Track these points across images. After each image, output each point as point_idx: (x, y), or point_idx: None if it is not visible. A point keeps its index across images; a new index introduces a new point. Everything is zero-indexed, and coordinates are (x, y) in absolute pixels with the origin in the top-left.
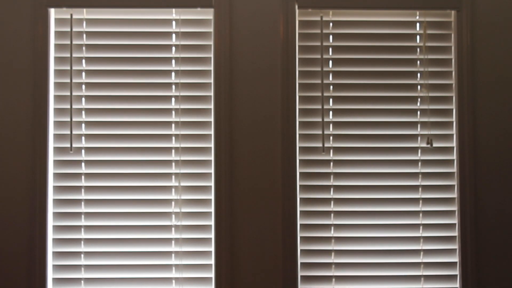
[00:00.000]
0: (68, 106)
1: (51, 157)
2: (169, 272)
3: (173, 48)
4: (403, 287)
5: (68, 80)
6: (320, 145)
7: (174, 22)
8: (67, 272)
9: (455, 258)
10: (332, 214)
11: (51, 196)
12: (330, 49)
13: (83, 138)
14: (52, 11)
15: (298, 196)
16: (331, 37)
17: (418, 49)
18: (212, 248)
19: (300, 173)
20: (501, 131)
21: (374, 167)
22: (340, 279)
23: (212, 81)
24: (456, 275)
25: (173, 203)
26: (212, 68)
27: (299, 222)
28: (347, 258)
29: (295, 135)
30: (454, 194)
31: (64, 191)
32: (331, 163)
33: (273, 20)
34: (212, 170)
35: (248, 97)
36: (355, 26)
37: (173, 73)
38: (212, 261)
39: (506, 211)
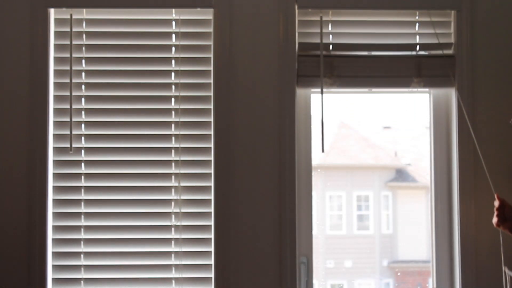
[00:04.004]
0: (68, 106)
1: (51, 157)
2: (169, 272)
3: (173, 48)
4: None
5: (68, 80)
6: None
7: (174, 22)
8: (67, 272)
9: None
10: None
11: (51, 196)
12: (331, 47)
13: (83, 138)
14: (51, 11)
15: (297, 196)
16: (330, 36)
17: (418, 47)
18: (212, 248)
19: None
20: (501, 131)
21: None
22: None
23: (212, 81)
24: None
25: (173, 203)
26: (212, 68)
27: (297, 223)
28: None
29: (294, 135)
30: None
31: (64, 191)
32: None
33: (273, 20)
34: (212, 170)
35: (248, 97)
36: (355, 26)
37: (173, 73)
38: (212, 261)
39: None
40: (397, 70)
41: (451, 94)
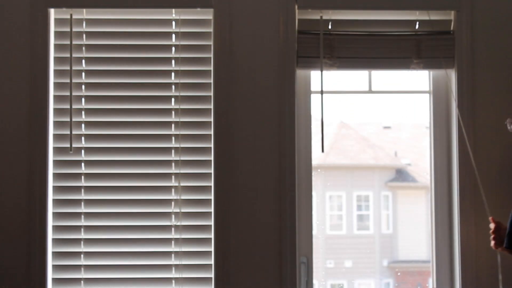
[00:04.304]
0: (68, 106)
1: (51, 157)
2: (169, 272)
3: (173, 48)
4: None
5: (68, 80)
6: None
7: (174, 22)
8: (67, 272)
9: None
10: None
11: (51, 196)
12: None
13: (83, 138)
14: (52, 11)
15: (297, 196)
16: (330, 23)
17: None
18: (212, 248)
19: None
20: (501, 131)
21: None
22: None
23: (212, 81)
24: None
25: (173, 203)
26: (212, 68)
27: (297, 223)
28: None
29: (293, 134)
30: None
31: (64, 191)
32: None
33: (273, 20)
34: (212, 170)
35: (247, 97)
36: (355, 25)
37: (173, 73)
38: (212, 261)
39: None
40: (397, 51)
41: (451, 94)
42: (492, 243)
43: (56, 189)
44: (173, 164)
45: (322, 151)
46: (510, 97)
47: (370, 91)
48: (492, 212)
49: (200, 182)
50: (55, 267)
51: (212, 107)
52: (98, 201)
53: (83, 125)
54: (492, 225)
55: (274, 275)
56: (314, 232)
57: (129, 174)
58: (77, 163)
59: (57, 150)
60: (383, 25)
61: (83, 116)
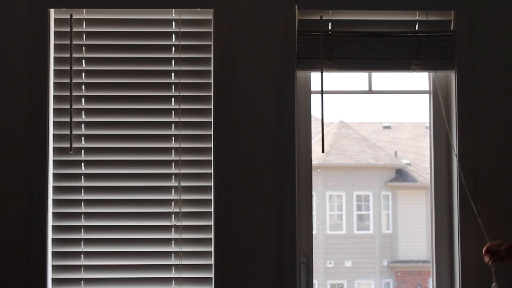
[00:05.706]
0: (68, 106)
1: (51, 157)
2: (169, 272)
3: (173, 48)
4: None
5: (68, 80)
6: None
7: (174, 22)
8: (67, 272)
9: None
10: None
11: (51, 196)
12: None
13: (83, 138)
14: (51, 11)
15: (297, 196)
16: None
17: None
18: (212, 248)
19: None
20: (501, 132)
21: None
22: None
23: (212, 81)
24: None
25: (173, 203)
26: (212, 68)
27: (297, 222)
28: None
29: (293, 134)
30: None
31: (64, 191)
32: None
33: (273, 20)
34: (212, 170)
35: (248, 97)
36: (355, 26)
37: (173, 73)
38: (212, 261)
39: None
40: (397, 52)
41: (451, 94)
42: (490, 262)
43: (56, 189)
44: (173, 164)
45: (322, 151)
46: (511, 98)
47: (370, 91)
48: (492, 212)
49: (200, 182)
50: (55, 267)
51: (212, 107)
52: (98, 201)
53: (83, 125)
54: (486, 257)
55: (274, 275)
56: (314, 232)
57: (129, 174)
58: (77, 163)
59: (57, 150)
60: (383, 25)
61: (83, 116)
